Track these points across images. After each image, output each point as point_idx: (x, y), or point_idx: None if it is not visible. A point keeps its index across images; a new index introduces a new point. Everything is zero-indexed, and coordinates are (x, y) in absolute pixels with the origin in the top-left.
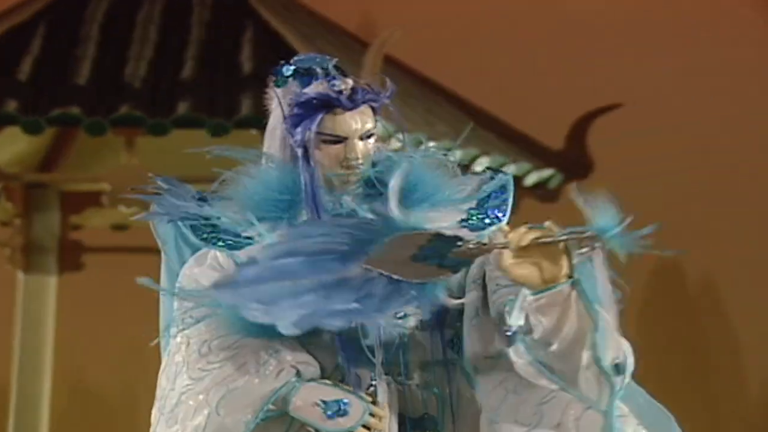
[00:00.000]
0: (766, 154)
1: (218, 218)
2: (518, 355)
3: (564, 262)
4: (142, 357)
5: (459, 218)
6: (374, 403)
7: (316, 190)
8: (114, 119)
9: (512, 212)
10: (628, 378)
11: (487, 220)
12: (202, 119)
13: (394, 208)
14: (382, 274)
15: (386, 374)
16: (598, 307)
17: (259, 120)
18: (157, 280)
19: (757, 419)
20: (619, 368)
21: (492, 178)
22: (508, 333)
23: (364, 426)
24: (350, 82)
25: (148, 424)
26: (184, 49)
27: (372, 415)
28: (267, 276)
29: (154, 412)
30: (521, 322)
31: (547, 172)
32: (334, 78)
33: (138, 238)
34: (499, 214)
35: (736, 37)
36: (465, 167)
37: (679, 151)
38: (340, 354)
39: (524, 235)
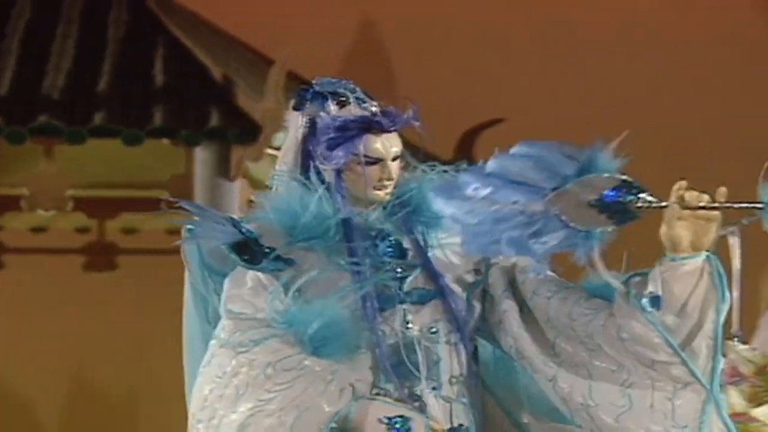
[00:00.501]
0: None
1: (256, 240)
2: (644, 326)
3: (712, 235)
4: (59, 352)
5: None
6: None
7: (349, 210)
8: (33, 128)
9: None
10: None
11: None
12: (117, 129)
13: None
14: (557, 215)
15: (420, 389)
16: (725, 283)
17: (170, 130)
18: (78, 276)
19: None
20: (739, 339)
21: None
22: (642, 301)
23: None
24: (376, 105)
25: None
26: (101, 62)
27: (433, 429)
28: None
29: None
30: (658, 289)
31: None
32: (364, 101)
33: (54, 241)
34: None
35: (634, 54)
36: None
37: None
38: (383, 369)
39: (698, 197)
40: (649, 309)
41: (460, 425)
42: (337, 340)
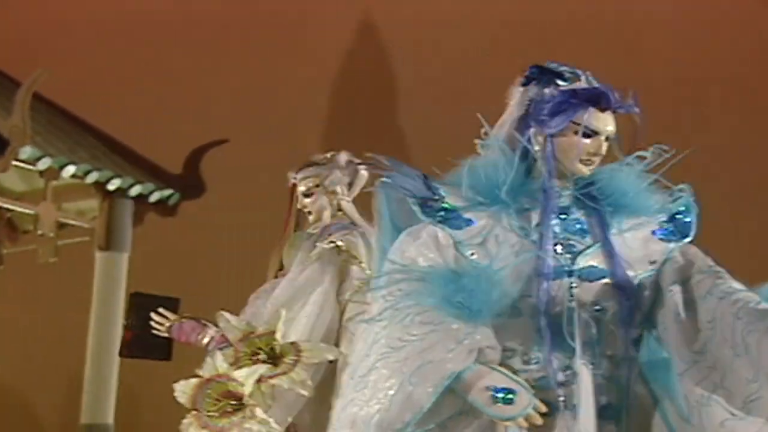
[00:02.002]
0: None
1: (443, 197)
2: None
3: None
4: None
5: (652, 228)
6: (567, 385)
7: (553, 178)
8: None
9: (138, 222)
10: None
11: (674, 236)
12: None
13: None
14: None
15: (581, 361)
16: None
17: None
18: None
19: None
20: None
21: (677, 198)
22: None
23: (525, 418)
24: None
25: None
26: None
27: (535, 410)
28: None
29: (344, 375)
30: None
31: (167, 192)
32: (595, 80)
33: None
34: (684, 236)
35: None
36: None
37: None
38: (542, 336)
39: None
40: None
41: (609, 403)
42: (492, 303)
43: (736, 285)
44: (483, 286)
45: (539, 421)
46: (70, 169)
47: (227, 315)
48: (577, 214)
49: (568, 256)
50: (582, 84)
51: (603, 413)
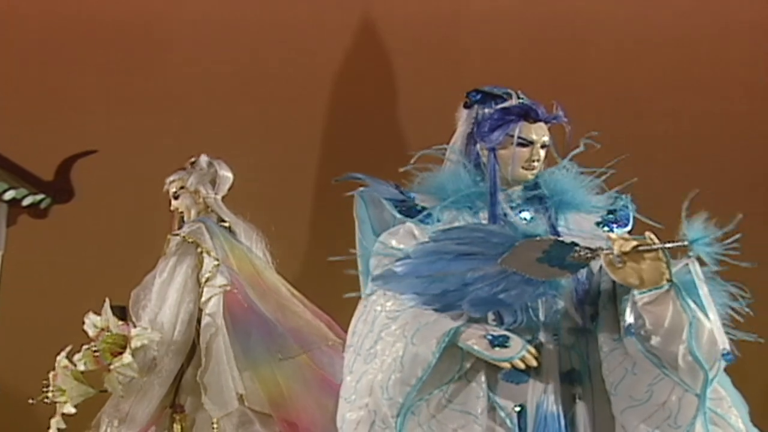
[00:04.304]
0: None
1: (413, 200)
2: (631, 345)
3: (663, 269)
4: None
5: (595, 221)
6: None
7: (497, 185)
8: None
9: (8, 225)
10: (721, 367)
11: (615, 227)
12: None
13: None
14: (515, 272)
15: (544, 334)
16: (694, 306)
17: None
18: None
19: None
20: (724, 357)
21: (616, 198)
22: (625, 326)
23: (521, 359)
24: (535, 102)
25: None
26: None
27: (528, 353)
28: (422, 270)
29: (348, 355)
30: (632, 319)
31: (39, 197)
32: (524, 98)
33: None
34: (625, 225)
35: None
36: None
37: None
38: (512, 311)
39: (626, 243)
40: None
41: (573, 369)
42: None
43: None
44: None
45: (533, 363)
46: None
47: (92, 315)
48: (529, 212)
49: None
50: (513, 102)
51: (569, 377)
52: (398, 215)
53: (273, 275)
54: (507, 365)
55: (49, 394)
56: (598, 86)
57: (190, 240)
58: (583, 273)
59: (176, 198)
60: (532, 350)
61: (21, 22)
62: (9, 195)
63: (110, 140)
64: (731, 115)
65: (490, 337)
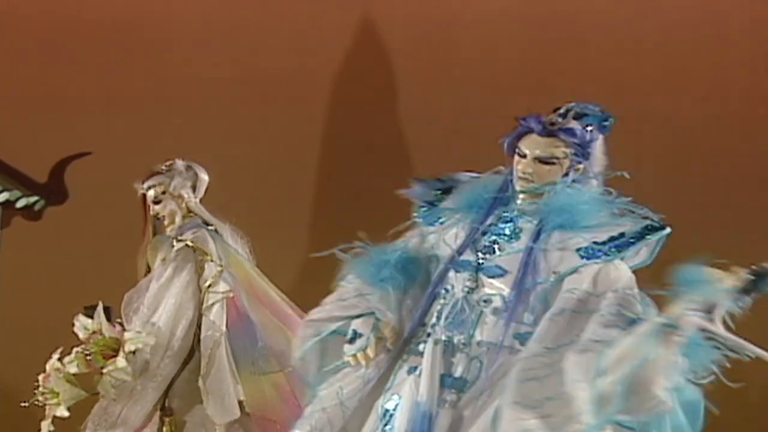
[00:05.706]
0: None
1: (440, 201)
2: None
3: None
4: None
5: (580, 245)
6: (423, 354)
7: (502, 192)
8: None
9: (2, 227)
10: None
11: (597, 256)
12: None
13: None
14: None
15: (448, 337)
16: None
17: None
18: None
19: None
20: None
21: (649, 228)
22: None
23: (352, 357)
24: (557, 119)
25: None
26: None
27: (365, 353)
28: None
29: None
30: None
31: (33, 199)
32: (541, 117)
33: None
34: (618, 254)
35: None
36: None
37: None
38: (428, 314)
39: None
40: None
41: (462, 377)
42: (383, 276)
43: (596, 336)
44: (379, 261)
45: (362, 362)
46: None
47: (81, 317)
48: (519, 222)
49: (483, 255)
50: (533, 120)
51: (454, 383)
52: (417, 218)
53: (262, 279)
54: (350, 359)
55: (40, 397)
56: (598, 86)
57: (195, 247)
58: (512, 293)
59: (157, 203)
60: (370, 353)
61: (14, 24)
62: (3, 197)
63: (104, 142)
64: (731, 115)
65: (353, 331)
